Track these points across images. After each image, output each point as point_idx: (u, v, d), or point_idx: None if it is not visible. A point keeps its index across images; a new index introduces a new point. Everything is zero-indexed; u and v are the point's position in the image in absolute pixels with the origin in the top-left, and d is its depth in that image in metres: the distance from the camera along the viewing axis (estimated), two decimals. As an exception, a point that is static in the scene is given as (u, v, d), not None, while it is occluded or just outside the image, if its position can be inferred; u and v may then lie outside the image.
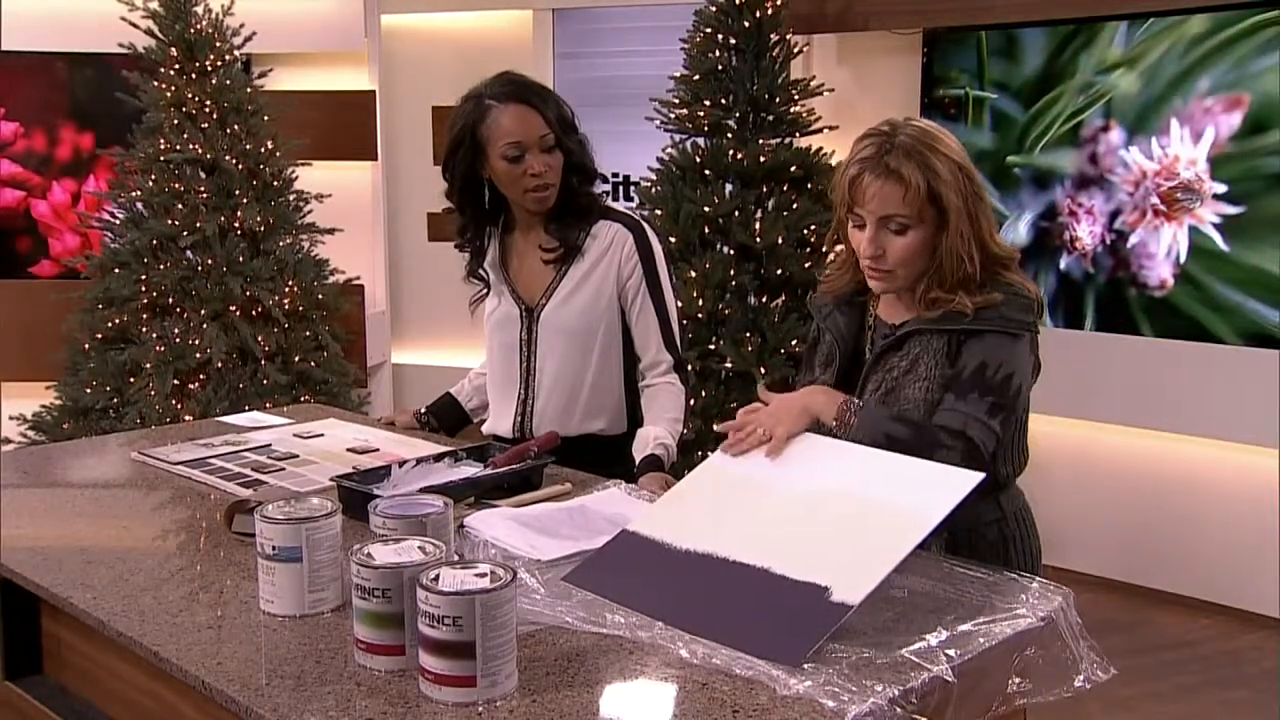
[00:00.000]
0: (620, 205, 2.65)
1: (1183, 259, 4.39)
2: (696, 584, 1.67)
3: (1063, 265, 4.71)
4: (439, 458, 2.24)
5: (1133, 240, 4.51)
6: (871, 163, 1.90)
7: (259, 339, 4.64)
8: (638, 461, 2.40)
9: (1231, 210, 4.27)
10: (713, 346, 4.45)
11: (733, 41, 4.56)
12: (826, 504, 1.77)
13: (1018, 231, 4.80)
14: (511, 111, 2.40)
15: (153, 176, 4.67)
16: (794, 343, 4.36)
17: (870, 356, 2.03)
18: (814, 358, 2.14)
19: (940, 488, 1.69)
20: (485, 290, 2.60)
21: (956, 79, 4.92)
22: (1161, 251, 4.45)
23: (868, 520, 1.70)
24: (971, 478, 1.69)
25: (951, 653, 1.47)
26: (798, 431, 1.91)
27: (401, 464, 2.16)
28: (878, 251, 1.93)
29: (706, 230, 4.51)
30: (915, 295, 1.97)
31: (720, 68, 4.58)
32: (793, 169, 4.53)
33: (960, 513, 1.75)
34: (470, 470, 2.21)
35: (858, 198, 1.92)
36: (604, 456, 2.45)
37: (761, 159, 4.49)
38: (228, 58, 4.81)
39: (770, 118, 4.59)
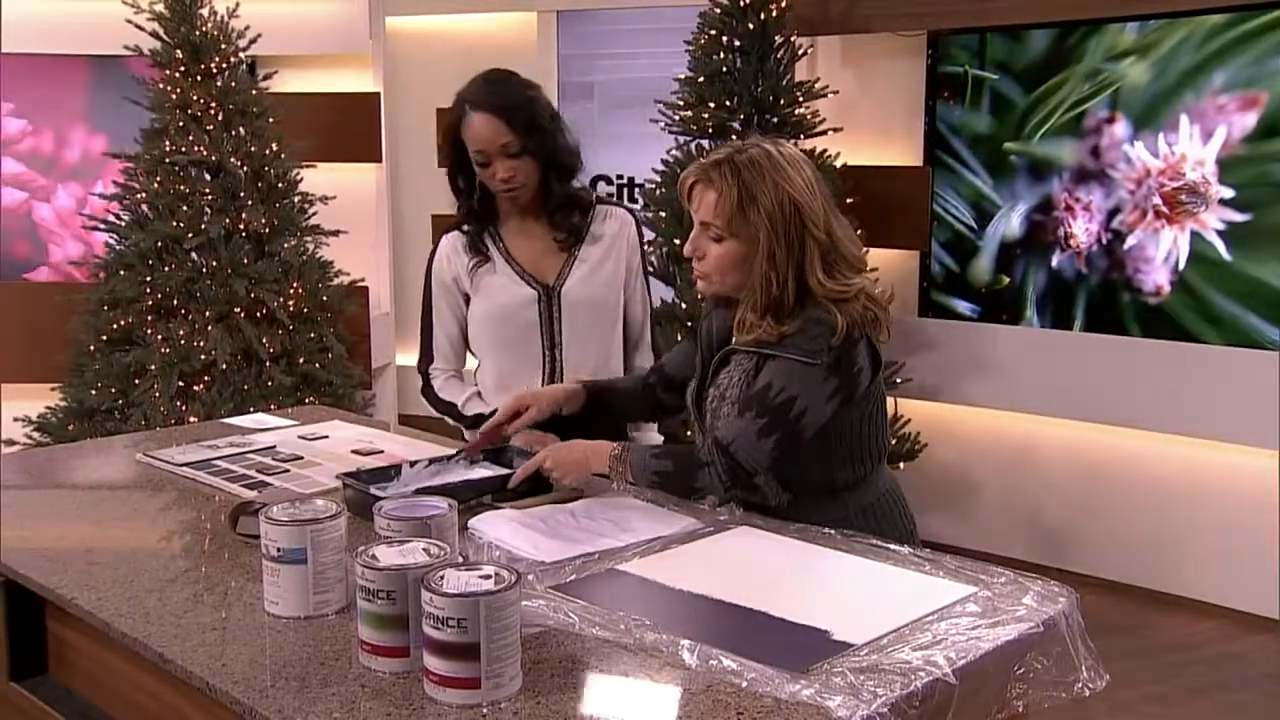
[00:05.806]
0: (625, 204, 2.70)
1: (1181, 265, 4.26)
2: (694, 615, 1.63)
3: (1055, 263, 4.57)
4: (450, 458, 2.25)
5: (1130, 241, 4.38)
6: (702, 168, 1.97)
7: (264, 341, 4.65)
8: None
9: (1237, 217, 4.12)
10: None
11: (737, 43, 4.56)
12: (821, 579, 1.78)
13: (1009, 223, 4.67)
14: (477, 120, 2.45)
15: (158, 178, 4.68)
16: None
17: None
18: (694, 342, 2.22)
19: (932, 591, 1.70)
20: (484, 260, 2.61)
21: (957, 56, 4.77)
22: (1160, 256, 4.31)
23: (862, 594, 1.71)
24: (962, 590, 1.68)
25: (954, 655, 1.47)
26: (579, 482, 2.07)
27: (412, 464, 2.18)
28: (695, 253, 2.01)
29: (710, 232, 4.51)
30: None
31: (725, 70, 4.58)
32: (796, 171, 4.52)
33: (807, 515, 1.90)
34: (484, 471, 2.22)
35: (687, 199, 2.00)
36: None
37: (765, 161, 4.48)
38: (233, 60, 4.82)
39: (775, 120, 4.59)
